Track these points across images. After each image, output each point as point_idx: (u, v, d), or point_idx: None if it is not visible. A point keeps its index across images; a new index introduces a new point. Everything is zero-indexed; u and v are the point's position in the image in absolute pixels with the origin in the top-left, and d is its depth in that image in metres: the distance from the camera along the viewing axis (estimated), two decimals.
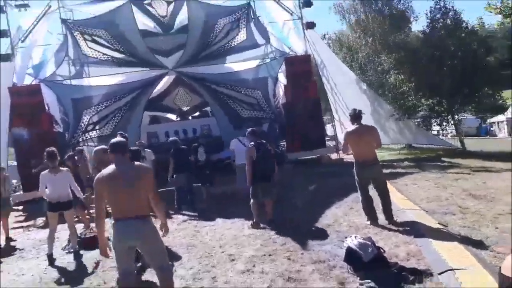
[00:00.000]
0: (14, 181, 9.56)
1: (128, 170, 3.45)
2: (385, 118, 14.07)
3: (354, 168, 5.82)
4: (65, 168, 6.37)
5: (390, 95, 15.41)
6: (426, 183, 8.54)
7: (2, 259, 6.24)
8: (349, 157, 14.61)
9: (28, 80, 13.76)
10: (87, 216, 7.58)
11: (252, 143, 6.50)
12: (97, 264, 5.30)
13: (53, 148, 6.29)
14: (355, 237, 4.34)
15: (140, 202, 3.42)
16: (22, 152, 12.57)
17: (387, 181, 6.10)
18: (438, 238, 4.75)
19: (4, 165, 8.00)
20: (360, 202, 6.57)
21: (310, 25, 14.86)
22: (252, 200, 6.41)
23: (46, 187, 5.98)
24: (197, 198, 8.63)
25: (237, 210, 7.45)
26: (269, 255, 4.89)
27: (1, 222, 7.52)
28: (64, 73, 14.31)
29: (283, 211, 6.88)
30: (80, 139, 13.64)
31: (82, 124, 13.70)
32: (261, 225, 6.27)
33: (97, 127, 13.95)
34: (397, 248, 4.60)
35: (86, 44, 13.89)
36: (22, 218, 10.29)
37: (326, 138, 14.80)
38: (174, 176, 8.55)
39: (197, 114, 18.44)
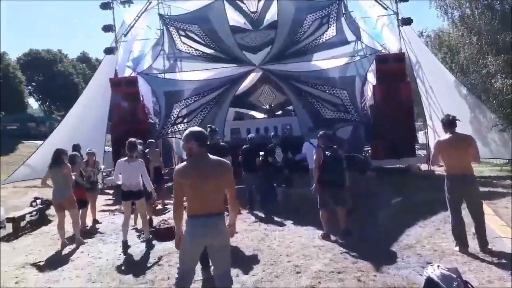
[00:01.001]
0: (102, 166, 10.24)
1: (209, 164, 3.31)
2: (487, 128, 12.49)
3: (445, 183, 5.15)
4: (140, 159, 6.65)
5: (494, 102, 13.63)
6: None
7: (85, 240, 6.74)
8: (442, 170, 13.38)
9: (128, 72, 14.83)
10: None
11: (322, 146, 6.13)
12: (159, 258, 5.44)
13: (134, 139, 6.61)
14: (438, 266, 3.79)
15: (219, 199, 3.33)
16: (117, 139, 13.60)
17: (483, 202, 5.32)
18: None
19: (94, 150, 8.58)
20: (448, 224, 5.89)
21: (407, 21, 13.70)
22: (320, 210, 6.03)
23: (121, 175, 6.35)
24: (269, 200, 8.45)
25: (311, 216, 7.12)
26: (338, 272, 4.53)
27: (90, 204, 8.14)
28: (159, 67, 15.13)
29: (359, 224, 6.40)
30: (169, 131, 14.34)
31: (172, 117, 14.37)
32: (332, 238, 5.89)
33: (185, 120, 14.52)
34: (490, 285, 3.94)
35: (180, 39, 14.50)
36: (110, 202, 11.10)
37: (417, 147, 13.58)
38: (244, 175, 8.42)
39: (279, 112, 18.37)
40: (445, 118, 5.27)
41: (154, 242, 6.31)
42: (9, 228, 7.74)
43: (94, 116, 14.63)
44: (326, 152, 5.91)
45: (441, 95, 13.39)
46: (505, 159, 13.33)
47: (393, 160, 12.80)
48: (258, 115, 19.86)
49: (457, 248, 4.99)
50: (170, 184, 10.53)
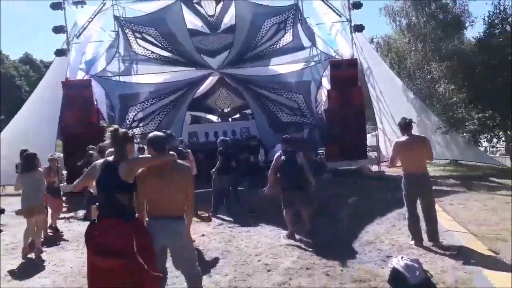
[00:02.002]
0: (65, 172, 9.89)
1: (168, 168, 3.38)
2: (431, 130, 13.43)
3: (403, 182, 5.55)
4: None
5: (438, 106, 14.70)
6: (474, 204, 8.03)
7: (46, 248, 6.48)
8: (390, 170, 14.13)
9: (80, 75, 14.33)
10: None
11: (280, 151, 6.40)
12: None
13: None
14: (402, 258, 4.12)
15: (178, 202, 3.40)
16: (69, 144, 13.10)
17: None
18: (490, 266, 4.45)
19: (57, 156, 8.27)
20: (402, 220, 6.35)
21: (359, 28, 14.39)
22: (284, 210, 6.25)
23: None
24: (235, 201, 8.56)
25: (276, 217, 7.33)
26: (307, 268, 4.76)
27: (52, 211, 7.83)
28: (114, 70, 14.78)
29: (321, 224, 6.68)
30: None
31: (127, 121, 14.09)
32: (297, 237, 6.13)
33: (141, 124, 14.32)
34: (444, 274, 4.33)
35: (136, 41, 14.26)
36: (64, 209, 10.66)
37: (368, 149, 14.29)
38: (215, 177, 8.46)
39: (237, 116, 18.53)
40: (402, 121, 5.66)
41: None
42: None
43: (43, 120, 13.92)
44: (282, 157, 6.14)
45: (390, 99, 14.19)
46: (447, 159, 14.37)
47: (346, 162, 13.38)
48: (215, 118, 19.88)
49: (412, 242, 5.40)
50: None
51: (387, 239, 5.76)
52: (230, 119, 17.84)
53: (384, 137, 14.04)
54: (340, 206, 8.15)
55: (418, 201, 5.54)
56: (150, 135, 3.47)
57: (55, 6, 14.36)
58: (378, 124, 14.25)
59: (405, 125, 5.63)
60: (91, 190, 6.33)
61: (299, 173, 6.06)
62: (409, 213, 5.47)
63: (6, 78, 37.13)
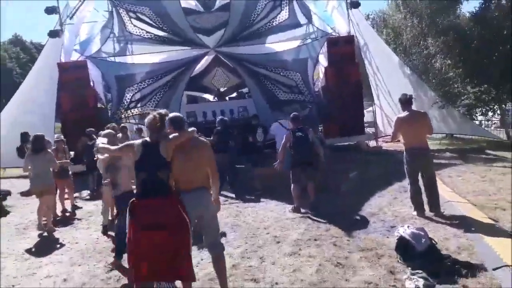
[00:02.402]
0: (72, 153, 9.98)
1: (192, 143, 3.57)
2: (428, 105, 13.58)
3: (404, 156, 5.71)
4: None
5: (434, 81, 14.82)
6: (471, 176, 8.26)
7: (57, 228, 6.62)
8: (388, 145, 14.38)
9: (75, 56, 14.15)
10: None
11: (292, 128, 6.54)
12: None
13: (114, 124, 6.69)
14: (408, 226, 4.31)
15: (204, 174, 3.61)
16: (68, 126, 13.10)
17: None
18: (490, 233, 4.65)
19: (57, 137, 8.34)
20: (403, 193, 6.55)
21: (355, 5, 14.30)
22: (292, 185, 6.45)
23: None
24: (238, 179, 8.68)
25: (279, 193, 7.52)
26: (314, 239, 4.95)
27: (67, 192, 7.95)
28: (109, 50, 14.62)
29: (324, 197, 6.87)
30: (123, 116, 14.02)
31: (125, 101, 14.05)
32: (302, 210, 6.32)
33: (139, 105, 14.28)
34: (447, 241, 4.53)
35: (131, 21, 14.06)
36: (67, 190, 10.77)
37: (365, 125, 14.46)
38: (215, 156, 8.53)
39: (234, 95, 18.51)
40: (403, 97, 5.79)
41: None
42: None
43: (40, 103, 13.86)
44: (296, 133, 6.29)
45: (387, 75, 14.25)
46: (444, 133, 14.59)
47: (344, 138, 13.56)
48: (211, 98, 19.85)
49: (415, 213, 5.59)
50: None
51: (389, 211, 5.96)
52: (227, 98, 17.82)
53: (381, 113, 14.17)
54: (341, 180, 8.34)
55: (420, 174, 5.70)
56: (171, 115, 3.56)
57: None
58: (375, 100, 14.34)
59: (406, 101, 5.76)
60: (100, 171, 6.41)
61: (311, 149, 6.30)
62: (411, 185, 5.65)
63: None
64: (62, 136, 8.32)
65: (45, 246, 5.75)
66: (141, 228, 3.19)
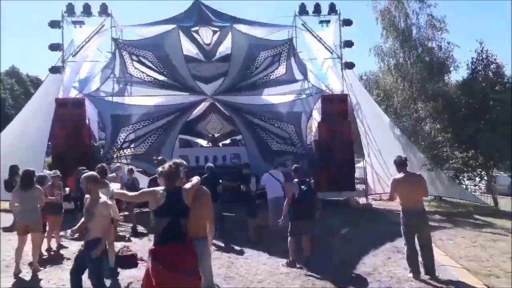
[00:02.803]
0: (67, 189, 9.82)
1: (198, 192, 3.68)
2: (417, 167, 13.87)
3: (401, 217, 5.78)
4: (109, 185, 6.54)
5: (423, 143, 15.25)
6: (462, 240, 8.32)
7: (44, 268, 6.35)
8: (377, 203, 14.48)
9: (73, 93, 14.30)
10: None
11: (296, 180, 6.57)
12: (129, 284, 5.39)
13: (104, 165, 6.59)
14: None
15: (205, 223, 3.77)
16: (59, 162, 12.91)
17: None
18: None
19: (53, 172, 8.23)
20: (396, 253, 6.55)
21: (349, 65, 15.07)
22: (289, 238, 6.40)
23: None
24: (226, 229, 8.54)
25: (270, 245, 7.43)
26: None
27: (54, 229, 7.71)
28: (107, 90, 14.80)
29: (317, 252, 6.80)
30: (115, 155, 13.96)
31: (118, 141, 14.04)
32: (297, 265, 6.23)
33: (132, 145, 14.27)
34: None
35: (132, 64, 14.43)
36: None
37: (356, 181, 14.62)
38: None
39: (227, 142, 18.70)
40: (398, 159, 5.96)
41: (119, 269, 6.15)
42: None
43: (33, 136, 13.78)
44: (302, 186, 6.34)
45: (377, 135, 14.67)
46: (432, 195, 14.76)
47: (334, 193, 13.63)
48: (204, 143, 20.00)
49: (411, 275, 5.57)
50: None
51: (384, 271, 5.92)
52: (220, 145, 17.97)
53: (372, 170, 14.40)
54: (333, 236, 8.29)
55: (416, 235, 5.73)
56: (183, 164, 3.64)
57: (53, 24, 14.57)
58: (366, 158, 14.61)
59: (401, 163, 5.93)
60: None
61: (314, 203, 6.29)
62: (408, 247, 5.66)
63: None
64: (58, 172, 8.17)
65: (29, 286, 5.49)
66: (166, 274, 3.15)
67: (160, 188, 3.43)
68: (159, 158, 6.79)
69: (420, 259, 5.62)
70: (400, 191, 5.75)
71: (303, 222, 6.33)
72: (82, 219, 4.63)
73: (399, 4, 15.83)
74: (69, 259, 6.91)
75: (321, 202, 6.84)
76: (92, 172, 4.90)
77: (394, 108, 16.70)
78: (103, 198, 4.66)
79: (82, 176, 4.86)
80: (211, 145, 18.53)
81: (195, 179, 3.73)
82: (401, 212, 5.80)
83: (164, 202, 3.32)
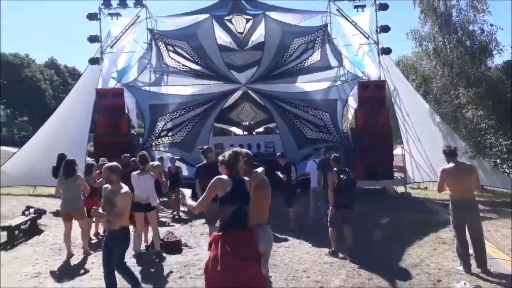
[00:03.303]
0: None
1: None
2: (458, 155, 13.41)
3: (450, 208, 5.63)
4: (150, 172, 6.72)
5: (464, 131, 14.71)
6: (509, 231, 8.03)
7: (94, 252, 6.64)
8: (416, 192, 14.18)
9: (112, 84, 14.69)
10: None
11: (335, 169, 6.51)
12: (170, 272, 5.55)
13: (145, 152, 6.77)
14: (464, 283, 4.19)
15: (267, 210, 4.02)
16: (100, 150, 13.37)
17: None
18: None
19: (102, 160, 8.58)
20: (441, 244, 6.41)
21: (386, 51, 14.67)
22: (330, 228, 6.39)
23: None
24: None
25: (311, 235, 7.44)
26: None
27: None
28: (145, 80, 15.10)
29: (360, 242, 6.75)
30: (153, 143, 14.29)
31: (156, 130, 14.35)
32: (340, 255, 6.22)
33: (169, 134, 14.57)
34: None
35: (168, 54, 14.63)
36: None
37: (394, 169, 14.34)
38: None
39: (261, 130, 18.73)
40: (448, 149, 5.79)
41: (164, 254, 6.36)
42: (3, 236, 7.46)
43: (75, 126, 14.30)
44: (341, 176, 6.27)
45: (416, 122, 14.27)
46: None
47: (370, 182, 13.41)
48: (238, 131, 20.14)
49: (461, 268, 5.43)
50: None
51: (432, 263, 5.81)
52: (254, 133, 18.03)
53: (411, 158, 14.07)
54: (374, 226, 8.20)
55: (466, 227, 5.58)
56: (244, 152, 3.70)
57: (91, 17, 14.94)
58: (404, 146, 14.26)
59: (451, 153, 5.75)
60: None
61: (354, 192, 6.25)
62: (458, 239, 5.52)
63: (32, 81, 38.00)
64: (106, 160, 8.46)
65: (84, 268, 5.78)
66: (234, 260, 3.23)
67: (225, 177, 3.48)
68: (205, 146, 6.86)
69: (470, 251, 5.47)
70: (450, 181, 5.58)
71: (342, 212, 6.29)
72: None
73: None
74: None
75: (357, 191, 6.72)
76: (114, 163, 4.92)
77: (434, 94, 16.12)
78: (125, 188, 4.72)
79: (104, 166, 4.98)
80: (245, 133, 18.65)
81: (260, 168, 3.89)
82: (450, 203, 5.64)
83: (230, 190, 3.37)
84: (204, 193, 3.48)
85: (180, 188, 7.96)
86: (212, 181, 3.43)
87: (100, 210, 4.61)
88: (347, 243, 6.30)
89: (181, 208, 9.96)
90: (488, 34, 15.14)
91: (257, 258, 3.34)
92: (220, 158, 3.59)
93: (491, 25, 15.09)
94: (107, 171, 4.65)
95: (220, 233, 3.34)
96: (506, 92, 13.28)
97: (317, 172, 8.55)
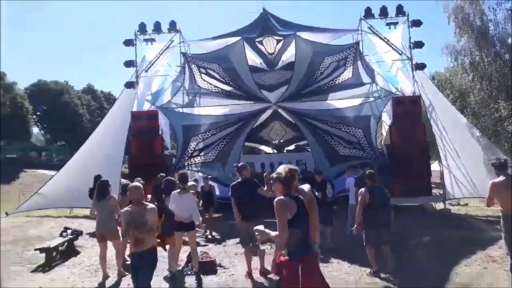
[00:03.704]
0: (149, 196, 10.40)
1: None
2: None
3: (501, 224, 5.32)
4: (191, 191, 6.76)
5: (506, 144, 14.10)
6: None
7: (129, 274, 6.66)
8: (455, 209, 13.58)
9: (147, 106, 15.10)
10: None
11: (367, 186, 6.33)
12: None
13: (184, 171, 6.82)
14: None
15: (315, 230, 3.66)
16: (135, 171, 13.62)
17: None
18: None
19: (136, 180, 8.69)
20: (491, 263, 6.06)
21: (420, 66, 14.42)
22: (367, 248, 6.16)
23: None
24: None
25: (348, 253, 7.21)
26: None
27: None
28: (178, 102, 15.46)
29: (403, 262, 6.46)
30: (186, 163, 14.47)
31: (189, 150, 14.57)
32: (382, 275, 5.96)
33: (201, 154, 14.75)
34: None
35: (201, 76, 14.95)
36: None
37: (432, 186, 13.83)
38: None
39: (292, 148, 18.65)
40: (497, 161, 5.53)
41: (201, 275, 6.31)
42: (41, 258, 7.63)
43: (110, 148, 14.67)
44: (375, 192, 6.09)
45: (454, 136, 13.81)
46: None
47: (408, 199, 12.96)
48: (268, 149, 20.15)
49: None
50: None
51: (484, 283, 5.47)
52: (285, 151, 17.96)
53: (449, 174, 13.55)
54: (416, 244, 7.87)
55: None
56: (295, 168, 3.54)
57: (128, 43, 15.52)
58: (442, 161, 13.78)
59: (500, 166, 5.48)
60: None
61: (388, 210, 6.02)
62: (511, 256, 5.19)
63: (71, 106, 39.80)
64: (141, 180, 8.59)
65: None
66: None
67: (287, 198, 3.27)
68: (239, 164, 6.85)
69: None
70: (501, 196, 5.30)
71: (376, 231, 6.05)
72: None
73: (473, 1, 14.82)
74: None
75: (392, 209, 6.45)
76: (136, 183, 4.93)
77: (471, 108, 15.60)
78: (150, 204, 4.71)
79: (128, 186, 4.92)
80: (275, 152, 18.61)
81: (307, 185, 3.63)
82: (501, 219, 5.34)
83: (296, 211, 3.21)
84: (278, 221, 3.22)
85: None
86: (276, 205, 3.21)
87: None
88: (389, 263, 6.05)
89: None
90: None
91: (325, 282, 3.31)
92: (275, 175, 3.40)
93: None
94: (134, 191, 4.59)
95: (288, 258, 3.21)
96: None
97: (355, 188, 8.34)
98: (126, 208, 4.62)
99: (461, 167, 13.33)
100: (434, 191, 13.86)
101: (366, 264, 6.32)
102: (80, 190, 12.21)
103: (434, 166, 14.84)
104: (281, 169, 3.39)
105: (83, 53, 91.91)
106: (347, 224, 8.56)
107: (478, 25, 14.84)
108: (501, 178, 5.36)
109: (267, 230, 3.33)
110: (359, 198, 6.36)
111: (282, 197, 3.25)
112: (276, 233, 3.21)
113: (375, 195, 6.19)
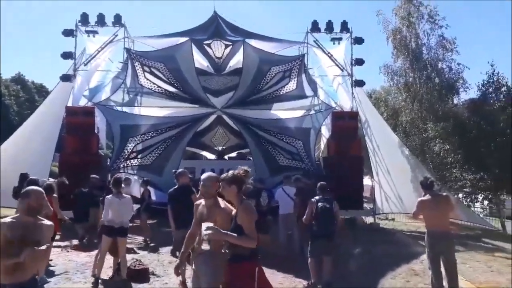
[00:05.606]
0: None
1: None
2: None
3: (426, 240, 5.66)
4: (128, 195, 6.46)
5: (431, 164, 15.22)
6: (477, 264, 8.18)
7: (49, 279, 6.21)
8: (384, 223, 14.35)
9: (83, 102, 14.26)
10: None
11: (317, 197, 6.44)
12: None
13: (120, 175, 6.51)
14: None
15: None
16: (66, 169, 12.80)
17: None
18: None
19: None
20: (414, 276, 6.42)
21: (359, 83, 15.13)
22: (309, 259, 6.24)
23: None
24: None
25: (282, 263, 7.28)
26: None
27: None
28: (117, 100, 14.81)
29: (336, 275, 6.63)
30: (121, 165, 13.87)
31: (126, 151, 13.98)
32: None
33: (139, 156, 14.22)
34: None
35: (144, 74, 14.44)
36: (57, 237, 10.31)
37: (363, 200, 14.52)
38: None
39: (234, 155, 18.62)
40: (425, 181, 5.89)
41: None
42: None
43: (40, 143, 13.70)
44: (319, 204, 6.20)
45: (386, 153, 14.62)
46: None
47: (341, 211, 13.41)
48: (210, 155, 19.94)
49: None
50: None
51: None
52: (227, 158, 17.90)
53: (380, 189, 14.31)
54: (346, 256, 8.16)
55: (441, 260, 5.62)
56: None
57: (67, 33, 14.61)
58: (374, 177, 14.52)
59: (428, 185, 5.85)
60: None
61: (334, 222, 6.14)
62: (433, 271, 5.53)
63: None
64: (66, 181, 8.08)
65: None
66: None
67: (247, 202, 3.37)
68: (178, 171, 6.68)
69: (445, 284, 5.49)
70: (426, 213, 5.65)
71: (322, 243, 6.13)
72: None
73: (410, 24, 15.92)
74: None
75: (338, 220, 6.61)
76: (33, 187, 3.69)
77: (403, 127, 16.68)
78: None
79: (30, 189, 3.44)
80: (217, 158, 18.48)
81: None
82: (426, 235, 5.68)
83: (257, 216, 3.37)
84: (249, 225, 3.24)
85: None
86: (249, 208, 3.31)
87: None
88: (325, 275, 6.13)
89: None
90: (455, 72, 15.99)
91: None
92: (230, 174, 3.43)
93: (459, 64, 15.99)
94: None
95: (253, 263, 3.30)
96: (472, 129, 13.87)
97: (295, 198, 8.45)
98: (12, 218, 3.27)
99: (390, 183, 14.12)
100: (365, 205, 14.50)
101: (301, 275, 6.41)
102: (8, 187, 11.19)
103: (366, 181, 15.57)
104: (240, 170, 3.46)
105: (13, 39, 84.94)
106: (279, 234, 8.66)
107: (413, 47, 15.94)
108: (428, 196, 5.73)
109: (223, 231, 3.20)
110: (307, 210, 6.40)
111: (249, 202, 3.37)
112: (235, 235, 3.19)
113: (322, 207, 6.24)
